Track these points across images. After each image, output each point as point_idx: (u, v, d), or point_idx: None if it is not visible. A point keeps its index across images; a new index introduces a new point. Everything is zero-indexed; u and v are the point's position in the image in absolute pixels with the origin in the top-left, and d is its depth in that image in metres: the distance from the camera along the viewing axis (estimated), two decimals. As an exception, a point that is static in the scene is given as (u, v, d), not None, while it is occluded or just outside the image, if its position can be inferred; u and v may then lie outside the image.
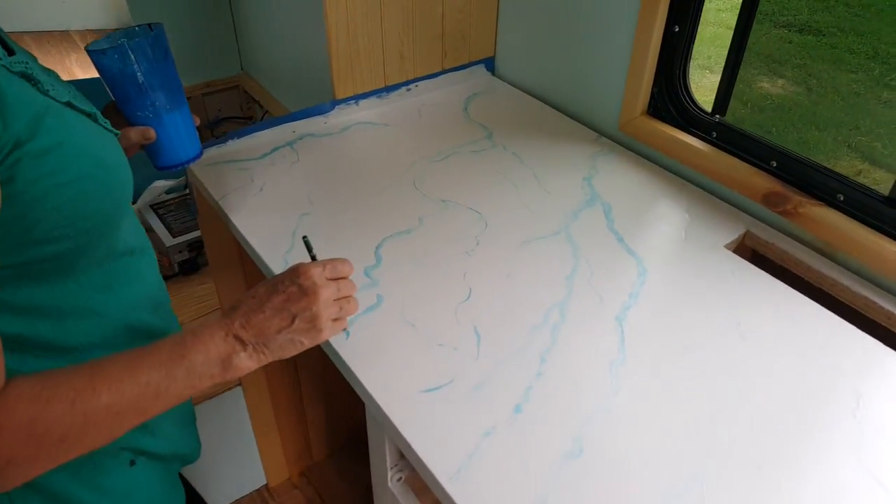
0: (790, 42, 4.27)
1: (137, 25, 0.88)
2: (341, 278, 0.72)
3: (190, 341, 0.63)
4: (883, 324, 0.91)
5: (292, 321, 0.68)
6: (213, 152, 1.18)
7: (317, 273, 0.70)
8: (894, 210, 0.92)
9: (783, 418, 0.77)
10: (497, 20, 1.42)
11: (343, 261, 0.73)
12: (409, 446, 0.74)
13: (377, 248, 1.00)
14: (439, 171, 1.16)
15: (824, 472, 0.72)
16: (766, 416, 0.77)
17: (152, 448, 0.78)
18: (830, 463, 0.72)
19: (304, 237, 0.79)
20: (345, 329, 0.74)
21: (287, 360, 1.39)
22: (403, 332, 0.86)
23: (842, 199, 0.97)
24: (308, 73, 1.59)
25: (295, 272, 0.70)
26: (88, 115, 0.67)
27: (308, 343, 0.70)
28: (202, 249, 2.20)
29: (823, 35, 4.22)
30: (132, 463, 0.76)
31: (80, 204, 0.63)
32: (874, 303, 0.92)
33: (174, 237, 2.16)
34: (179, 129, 0.91)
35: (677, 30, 1.10)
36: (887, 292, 0.93)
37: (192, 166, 1.14)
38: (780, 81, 4.13)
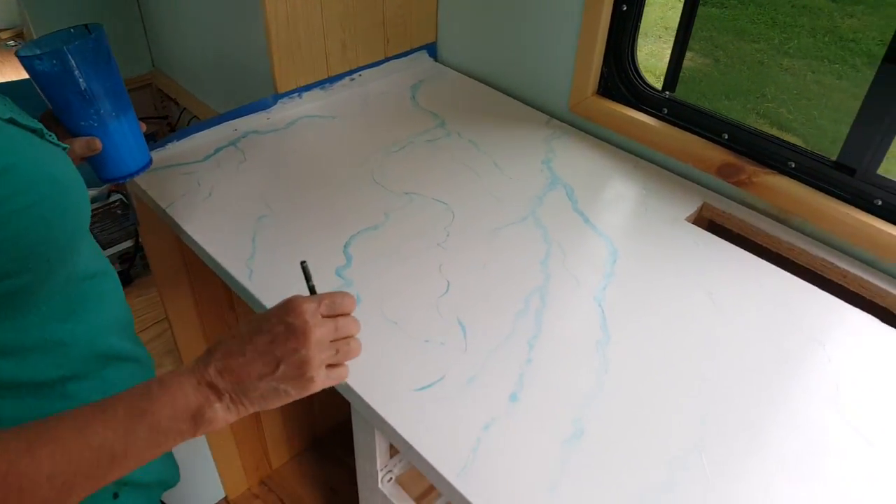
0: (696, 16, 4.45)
1: (72, 27, 0.81)
2: (341, 315, 0.63)
3: (156, 392, 0.55)
4: (839, 282, 0.96)
5: (277, 366, 0.58)
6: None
7: (310, 309, 0.60)
8: (842, 174, 0.97)
9: (764, 378, 0.80)
10: (437, 4, 1.40)
11: (344, 294, 0.64)
12: (409, 447, 0.72)
13: (345, 246, 0.97)
14: (397, 163, 1.14)
15: (807, 425, 0.75)
16: (747, 377, 0.80)
17: (136, 478, 0.73)
18: (811, 415, 0.76)
19: (303, 262, 0.69)
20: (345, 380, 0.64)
21: None
22: (387, 331, 0.84)
23: (793, 166, 1.01)
24: (238, 68, 1.52)
25: (284, 308, 0.60)
26: (33, 131, 0.61)
27: (295, 394, 0.60)
28: (134, 261, 2.09)
29: (726, 7, 4.41)
30: (115, 496, 0.71)
31: (40, 230, 0.57)
32: (830, 263, 0.96)
33: (103, 250, 2.03)
34: (127, 137, 0.85)
35: (625, 8, 1.11)
36: (841, 252, 0.98)
37: (134, 173, 1.07)
38: (689, 54, 4.29)
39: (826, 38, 4.13)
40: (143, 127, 0.89)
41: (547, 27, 1.23)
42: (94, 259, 0.70)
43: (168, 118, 2.20)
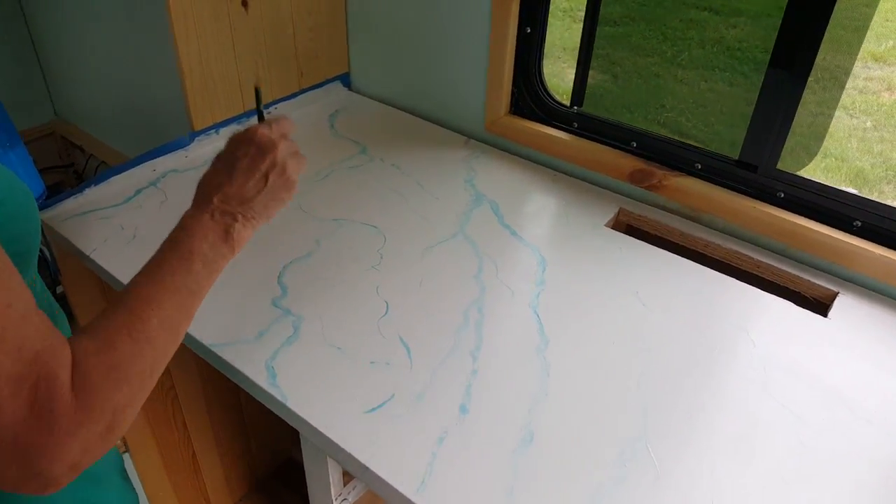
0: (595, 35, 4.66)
1: None
2: (284, 135, 0.71)
3: (187, 236, 0.63)
4: (753, 272, 1.03)
5: (266, 180, 0.68)
6: (70, 204, 1.07)
7: (266, 131, 0.69)
8: (745, 171, 1.05)
9: (696, 367, 0.85)
10: (347, 35, 1.42)
11: (284, 118, 0.72)
12: (365, 469, 0.72)
13: (279, 277, 0.96)
14: (322, 191, 1.14)
15: (742, 407, 0.80)
16: (681, 368, 0.84)
17: (105, 501, 0.70)
18: (744, 397, 0.81)
19: (256, 87, 0.82)
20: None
21: (172, 415, 1.31)
22: (331, 356, 0.84)
23: (699, 167, 1.09)
24: (150, 109, 1.48)
25: (245, 136, 0.69)
26: None
27: (287, 197, 0.71)
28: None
29: (618, 25, 4.64)
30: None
31: (9, 226, 0.55)
32: (743, 254, 1.03)
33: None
34: (16, 168, 0.83)
35: (529, 31, 1.17)
36: (752, 244, 1.05)
37: (51, 223, 1.03)
38: (589, 72, 4.48)
39: (714, 49, 4.42)
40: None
41: (456, 53, 1.27)
42: (44, 296, 0.67)
43: (74, 165, 2.11)
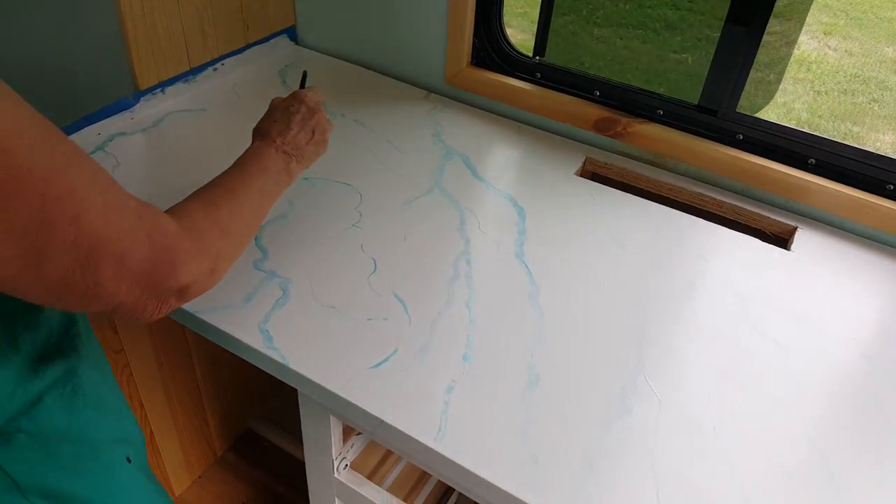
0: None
1: None
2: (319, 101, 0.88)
3: (259, 160, 0.77)
4: (716, 212, 1.08)
5: (312, 134, 0.84)
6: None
7: (312, 97, 0.86)
8: (704, 115, 1.09)
9: (679, 302, 0.89)
10: (292, -13, 1.36)
11: (315, 89, 0.89)
12: (380, 422, 0.72)
13: (256, 239, 0.93)
14: (287, 150, 1.10)
15: (725, 337, 0.84)
16: (665, 304, 0.88)
17: (134, 437, 0.68)
18: (726, 328, 0.85)
19: (304, 71, 0.97)
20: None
21: (129, 396, 1.27)
22: (325, 316, 0.82)
23: (661, 113, 1.12)
24: (83, 71, 1.38)
25: (296, 97, 0.86)
26: None
27: (323, 150, 0.87)
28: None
29: (535, -17, 4.67)
30: (128, 460, 0.65)
31: None
32: (706, 196, 1.08)
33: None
34: None
35: (489, -21, 1.15)
36: (714, 185, 1.10)
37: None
38: (509, 30, 4.50)
39: (627, 6, 4.52)
40: None
41: (413, 4, 1.24)
42: None
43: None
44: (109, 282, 0.51)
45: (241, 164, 0.76)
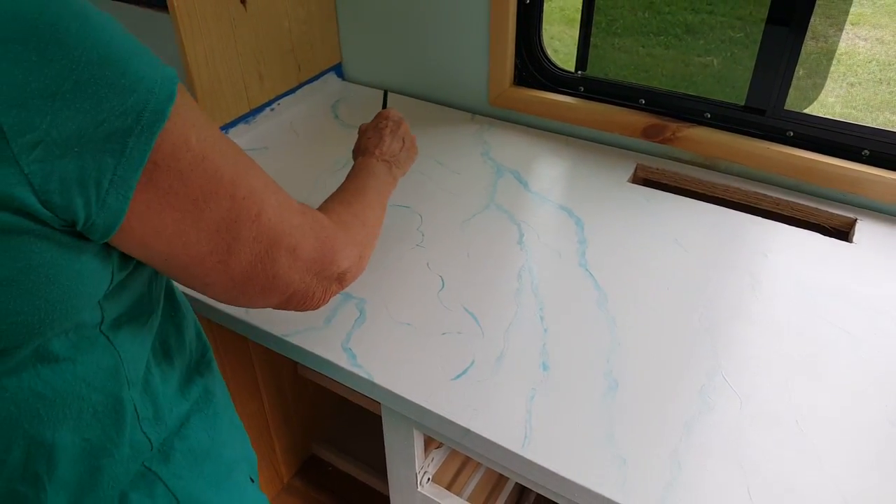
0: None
1: None
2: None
3: (364, 171, 0.86)
4: (773, 210, 1.09)
5: (403, 143, 0.94)
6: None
7: (395, 112, 0.98)
8: (752, 114, 1.10)
9: (747, 299, 0.89)
10: (337, 24, 1.42)
11: (393, 108, 1.00)
12: (466, 432, 0.74)
13: (328, 265, 0.96)
14: (346, 179, 1.15)
15: (798, 332, 0.85)
16: (734, 302, 0.89)
17: (251, 457, 0.71)
18: (799, 323, 0.86)
19: (385, 91, 1.11)
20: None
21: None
22: (402, 332, 0.86)
23: (709, 116, 1.13)
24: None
25: (381, 115, 0.97)
26: None
27: (415, 156, 0.98)
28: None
29: None
30: (252, 480, 0.69)
31: None
32: (761, 194, 1.09)
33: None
34: None
35: (528, 1, 1.19)
36: (768, 183, 1.11)
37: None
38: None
39: (646, 14, 4.54)
40: None
41: (452, 31, 1.28)
42: None
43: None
44: (286, 272, 0.58)
45: (354, 176, 0.85)
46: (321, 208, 0.74)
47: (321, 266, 0.62)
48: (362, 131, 0.96)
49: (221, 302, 0.59)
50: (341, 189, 0.81)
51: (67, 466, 0.51)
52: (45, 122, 0.39)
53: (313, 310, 0.67)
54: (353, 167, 0.89)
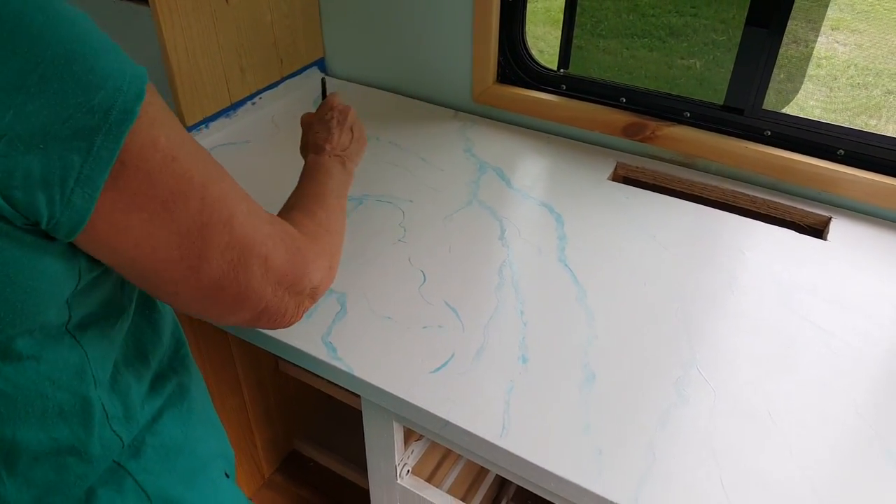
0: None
1: None
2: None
3: (319, 171, 0.81)
4: (750, 208, 1.10)
5: (352, 134, 0.89)
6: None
7: (339, 100, 0.93)
8: (730, 114, 1.12)
9: (723, 294, 0.91)
10: (320, 18, 1.42)
11: (336, 93, 0.95)
12: (445, 423, 0.75)
13: (309, 259, 0.97)
14: (329, 174, 1.15)
15: (772, 326, 0.86)
16: (710, 297, 0.90)
17: (228, 454, 0.71)
18: (772, 318, 0.88)
19: (322, 78, 1.05)
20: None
21: None
22: (383, 326, 0.86)
23: (688, 115, 1.15)
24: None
25: (325, 106, 0.91)
26: None
27: (364, 145, 0.92)
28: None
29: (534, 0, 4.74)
30: (227, 475, 0.68)
31: None
32: (739, 192, 1.11)
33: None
34: None
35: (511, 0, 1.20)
36: (745, 182, 1.13)
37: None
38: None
39: (630, 16, 4.57)
40: None
41: (436, 28, 1.29)
42: None
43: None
44: (259, 283, 0.55)
45: (309, 177, 0.81)
46: (283, 217, 0.69)
47: (293, 279, 0.60)
48: (307, 124, 0.91)
49: (189, 314, 0.57)
50: (301, 195, 0.77)
51: (30, 464, 0.50)
52: (9, 116, 0.38)
53: (284, 327, 0.63)
54: (306, 167, 0.83)
